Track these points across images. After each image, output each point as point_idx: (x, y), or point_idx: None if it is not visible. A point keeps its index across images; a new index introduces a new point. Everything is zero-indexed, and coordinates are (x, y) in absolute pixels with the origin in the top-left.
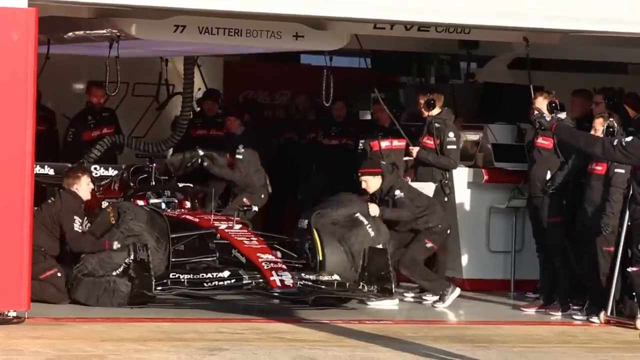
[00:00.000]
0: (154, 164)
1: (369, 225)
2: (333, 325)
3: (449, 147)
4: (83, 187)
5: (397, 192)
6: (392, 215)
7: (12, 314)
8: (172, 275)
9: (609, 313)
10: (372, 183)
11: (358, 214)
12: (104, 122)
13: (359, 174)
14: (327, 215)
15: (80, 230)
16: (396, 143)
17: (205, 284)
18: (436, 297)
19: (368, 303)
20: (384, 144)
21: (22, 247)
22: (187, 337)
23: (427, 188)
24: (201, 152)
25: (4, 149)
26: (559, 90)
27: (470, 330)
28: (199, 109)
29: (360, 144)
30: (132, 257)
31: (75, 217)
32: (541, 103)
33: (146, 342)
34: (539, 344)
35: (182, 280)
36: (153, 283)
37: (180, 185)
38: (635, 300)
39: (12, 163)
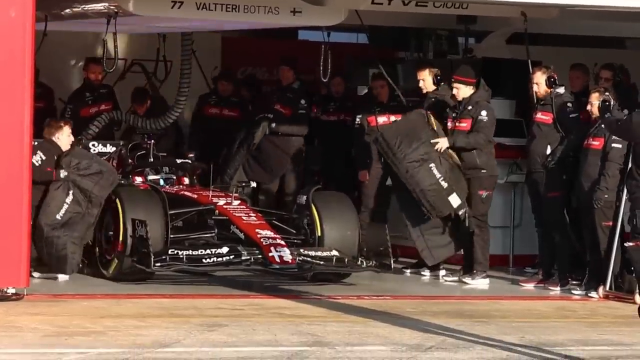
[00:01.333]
0: (152, 140)
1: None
2: (332, 301)
3: (445, 122)
4: (64, 137)
5: (483, 113)
6: (465, 142)
7: (11, 290)
8: (171, 251)
9: (607, 288)
10: (463, 92)
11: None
12: (102, 99)
13: (452, 80)
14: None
15: (36, 163)
16: (393, 119)
17: (204, 260)
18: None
19: (465, 280)
20: (381, 119)
21: (21, 224)
22: (186, 313)
23: None
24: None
25: (2, 126)
26: (556, 65)
27: (469, 306)
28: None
29: (358, 119)
30: (131, 233)
31: (39, 151)
32: (540, 78)
33: (145, 318)
34: (537, 319)
35: (181, 256)
36: (152, 259)
37: (179, 161)
38: (634, 275)
39: (10, 140)
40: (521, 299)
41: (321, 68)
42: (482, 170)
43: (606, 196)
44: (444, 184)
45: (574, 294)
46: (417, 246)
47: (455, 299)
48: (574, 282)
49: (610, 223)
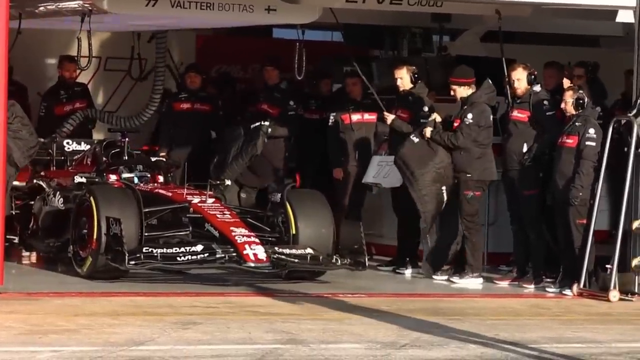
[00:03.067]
0: (126, 139)
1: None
2: (306, 299)
3: (422, 120)
4: None
5: (469, 116)
6: (438, 137)
7: None
8: (145, 249)
9: (581, 285)
10: (459, 92)
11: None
12: (77, 97)
13: (449, 82)
14: None
15: None
16: (367, 116)
17: (178, 258)
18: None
19: (453, 280)
20: (355, 117)
21: None
22: (160, 312)
23: None
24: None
25: None
26: (531, 63)
27: (444, 303)
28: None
29: (332, 117)
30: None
31: None
32: (521, 74)
33: (119, 316)
34: (512, 317)
35: (156, 254)
36: (126, 257)
37: (153, 159)
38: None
39: None
40: (495, 297)
41: (296, 66)
42: (467, 174)
43: (581, 194)
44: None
45: (548, 292)
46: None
47: (431, 297)
48: (548, 280)
49: (585, 221)
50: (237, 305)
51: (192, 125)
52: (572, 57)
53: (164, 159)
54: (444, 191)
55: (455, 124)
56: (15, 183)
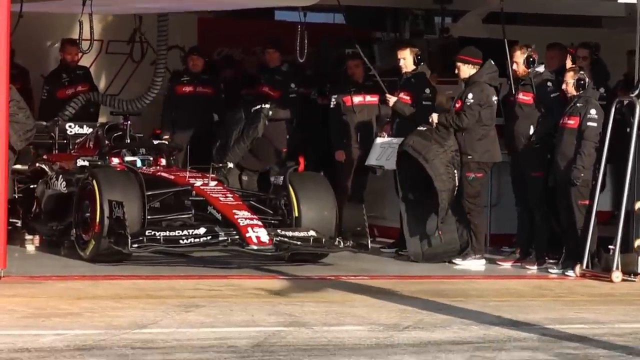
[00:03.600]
0: (129, 122)
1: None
2: (309, 281)
3: (424, 102)
4: None
5: (470, 96)
6: (443, 120)
7: None
8: (148, 232)
9: (584, 266)
10: (463, 71)
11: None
12: (79, 80)
13: (456, 59)
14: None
15: None
16: (369, 98)
17: (181, 241)
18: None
19: (455, 262)
20: (357, 99)
21: None
22: (163, 294)
23: None
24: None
25: None
26: (533, 44)
27: (447, 285)
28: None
29: (333, 100)
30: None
31: None
32: (519, 57)
33: (122, 299)
34: (515, 298)
35: (158, 237)
36: (129, 240)
37: (155, 142)
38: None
39: None
40: (498, 278)
41: (297, 49)
42: (468, 156)
43: (582, 175)
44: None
45: (551, 273)
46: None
47: (433, 279)
48: (551, 261)
49: (587, 202)
50: (240, 287)
51: (195, 108)
52: (575, 38)
53: (167, 142)
54: (456, 175)
55: (457, 105)
56: (18, 166)
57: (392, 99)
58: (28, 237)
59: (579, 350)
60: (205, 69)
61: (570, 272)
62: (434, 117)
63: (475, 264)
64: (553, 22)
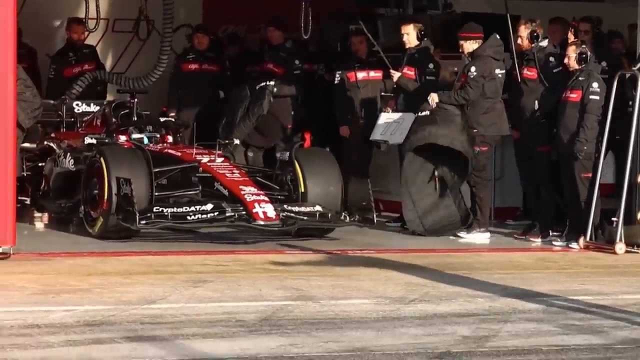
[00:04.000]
0: (136, 100)
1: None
2: (316, 256)
3: (428, 77)
4: None
5: (472, 69)
6: (446, 98)
7: None
8: (156, 209)
9: (587, 239)
10: (465, 47)
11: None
12: (85, 59)
13: (458, 37)
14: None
15: None
16: (373, 74)
17: (188, 217)
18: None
19: (460, 235)
20: (361, 75)
21: (6, 181)
22: (171, 270)
23: (408, 118)
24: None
25: None
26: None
27: (452, 258)
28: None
29: (338, 76)
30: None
31: None
32: (523, 32)
33: (131, 275)
34: (519, 270)
35: (166, 213)
36: (137, 217)
37: (162, 119)
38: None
39: None
40: (503, 251)
41: (302, 25)
42: (474, 130)
43: (585, 148)
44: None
45: (555, 245)
46: (406, 217)
47: (439, 252)
48: (555, 234)
49: (590, 174)
50: (247, 263)
51: (200, 86)
52: (577, 12)
53: (174, 120)
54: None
55: (462, 80)
56: (26, 145)
57: (396, 75)
58: (37, 214)
59: (584, 322)
60: (210, 47)
61: (574, 245)
62: (434, 97)
63: (480, 237)
64: None
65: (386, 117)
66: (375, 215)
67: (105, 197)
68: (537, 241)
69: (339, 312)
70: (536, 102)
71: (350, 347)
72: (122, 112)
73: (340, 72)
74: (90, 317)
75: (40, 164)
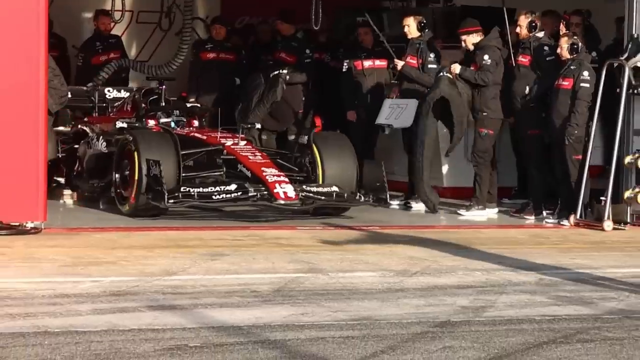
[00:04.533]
0: (164, 86)
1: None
2: (327, 232)
3: (430, 66)
4: None
5: (485, 57)
6: (471, 75)
7: (29, 225)
8: (183, 189)
9: (578, 216)
10: (469, 41)
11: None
12: (111, 47)
13: (459, 33)
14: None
15: None
16: (378, 63)
17: (214, 197)
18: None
19: (459, 212)
20: (367, 63)
21: (38, 160)
22: (191, 244)
23: (410, 105)
24: (284, 71)
25: (21, 71)
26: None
27: (453, 234)
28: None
29: (345, 64)
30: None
31: None
32: (523, 21)
33: (154, 249)
34: (514, 246)
35: (193, 193)
36: (166, 196)
37: (188, 105)
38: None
39: (28, 82)
40: (499, 228)
41: (312, 17)
42: (484, 113)
43: (576, 132)
44: None
45: (547, 223)
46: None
47: (439, 228)
48: (547, 212)
49: (580, 157)
50: (262, 238)
51: (218, 74)
52: (568, 6)
53: (199, 105)
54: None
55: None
56: (61, 128)
57: (399, 63)
58: (66, 192)
59: (574, 294)
60: (227, 37)
61: (565, 222)
62: (456, 67)
63: (478, 214)
64: None
65: (391, 103)
66: (388, 196)
67: (136, 177)
68: (531, 218)
69: (346, 283)
70: (527, 87)
71: (357, 316)
72: (151, 98)
73: (347, 61)
74: (115, 288)
75: (74, 146)
